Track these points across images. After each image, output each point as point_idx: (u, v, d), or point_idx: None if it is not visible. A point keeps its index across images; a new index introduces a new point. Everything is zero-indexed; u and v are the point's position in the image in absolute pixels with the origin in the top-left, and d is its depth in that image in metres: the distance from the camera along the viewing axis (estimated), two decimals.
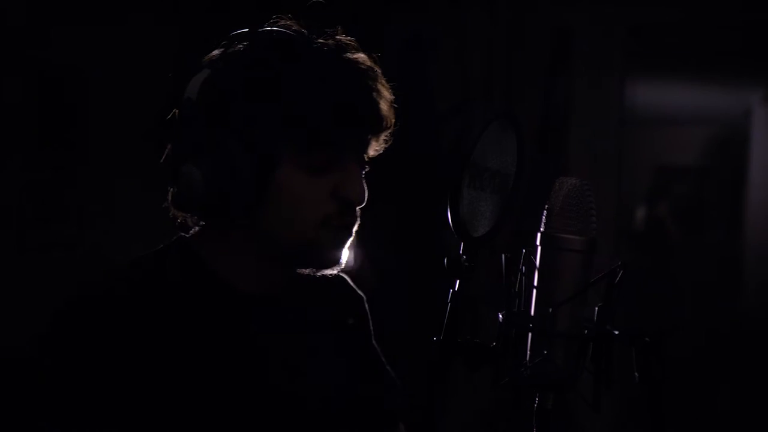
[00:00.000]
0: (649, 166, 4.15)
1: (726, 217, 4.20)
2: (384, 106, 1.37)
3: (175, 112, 1.40)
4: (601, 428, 3.32)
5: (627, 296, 1.27)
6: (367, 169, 1.42)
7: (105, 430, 1.26)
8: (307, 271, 1.41)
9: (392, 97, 1.39)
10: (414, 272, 3.15)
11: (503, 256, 1.24)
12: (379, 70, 1.38)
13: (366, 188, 1.39)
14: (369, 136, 1.38)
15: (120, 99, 3.49)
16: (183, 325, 1.34)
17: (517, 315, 1.24)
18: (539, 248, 1.24)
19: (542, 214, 1.25)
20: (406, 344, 3.39)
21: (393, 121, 1.39)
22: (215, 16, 3.52)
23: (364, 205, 1.39)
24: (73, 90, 3.39)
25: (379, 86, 1.37)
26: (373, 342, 1.64)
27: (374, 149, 1.41)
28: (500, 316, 1.25)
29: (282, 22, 1.40)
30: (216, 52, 1.40)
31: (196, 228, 1.43)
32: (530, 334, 1.24)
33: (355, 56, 1.37)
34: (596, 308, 1.23)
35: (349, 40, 1.39)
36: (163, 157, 1.42)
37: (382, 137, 1.40)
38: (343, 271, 1.48)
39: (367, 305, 1.63)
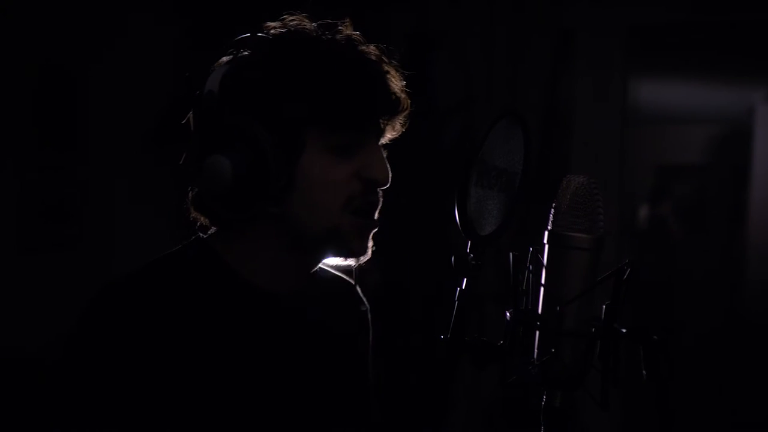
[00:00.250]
0: (652, 165, 4.14)
1: (729, 215, 4.19)
2: (399, 90, 1.40)
3: (193, 109, 1.41)
4: (605, 426, 3.32)
5: (633, 294, 1.27)
6: (385, 153, 1.44)
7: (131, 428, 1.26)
8: (332, 261, 1.44)
9: (404, 82, 1.42)
10: (418, 267, 3.15)
11: (511, 254, 1.24)
12: (388, 59, 1.42)
13: (389, 169, 1.41)
14: (388, 118, 1.41)
15: (120, 99, 3.49)
16: (207, 324, 1.34)
17: (524, 313, 1.24)
18: (546, 246, 1.25)
19: (549, 212, 1.25)
20: (411, 341, 3.41)
21: (408, 103, 1.42)
22: (215, 16, 3.52)
23: (387, 185, 1.41)
24: (74, 90, 3.39)
25: (393, 71, 1.41)
26: (370, 357, 1.64)
27: (392, 132, 1.44)
28: (507, 314, 1.25)
29: (294, 20, 1.42)
30: (225, 56, 1.42)
31: (213, 229, 1.44)
32: (537, 332, 1.24)
33: (365, 47, 1.41)
34: (603, 306, 1.23)
35: (357, 34, 1.41)
36: (184, 157, 1.42)
37: (399, 120, 1.43)
38: (351, 274, 1.51)
39: (370, 316, 1.63)
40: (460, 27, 3.36)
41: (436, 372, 3.29)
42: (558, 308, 1.21)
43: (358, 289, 1.61)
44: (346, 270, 1.54)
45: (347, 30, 1.41)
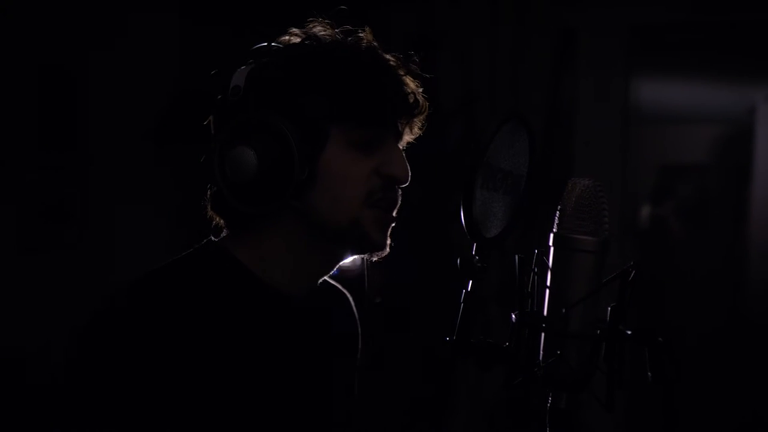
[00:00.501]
0: (654, 165, 4.15)
1: (731, 214, 4.20)
2: (417, 92, 1.44)
3: (215, 107, 1.43)
4: (607, 426, 3.33)
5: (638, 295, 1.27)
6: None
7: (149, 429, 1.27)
8: (352, 256, 1.45)
9: (422, 87, 1.45)
10: (420, 268, 3.15)
11: (517, 256, 1.24)
12: (407, 63, 1.45)
13: (409, 167, 1.43)
14: (406, 119, 1.44)
15: (120, 99, 3.50)
16: (226, 326, 1.35)
17: (530, 315, 1.24)
18: (552, 249, 1.25)
19: (555, 215, 1.25)
20: (412, 341, 3.41)
21: (426, 106, 1.45)
22: (216, 17, 3.53)
23: (407, 183, 1.43)
24: (74, 90, 3.39)
25: (411, 74, 1.44)
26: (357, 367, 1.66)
27: (410, 135, 1.47)
28: (513, 316, 1.25)
29: (317, 25, 1.45)
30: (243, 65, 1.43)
31: (226, 231, 1.45)
32: (543, 334, 1.24)
33: (385, 52, 1.44)
34: (609, 308, 1.23)
35: (377, 42, 1.45)
36: (204, 155, 1.43)
37: (418, 122, 1.46)
38: (346, 284, 1.52)
39: (360, 329, 1.65)
40: (462, 27, 3.36)
41: (438, 373, 3.29)
42: (563, 310, 1.21)
43: (351, 300, 1.63)
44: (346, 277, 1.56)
45: (368, 36, 1.44)
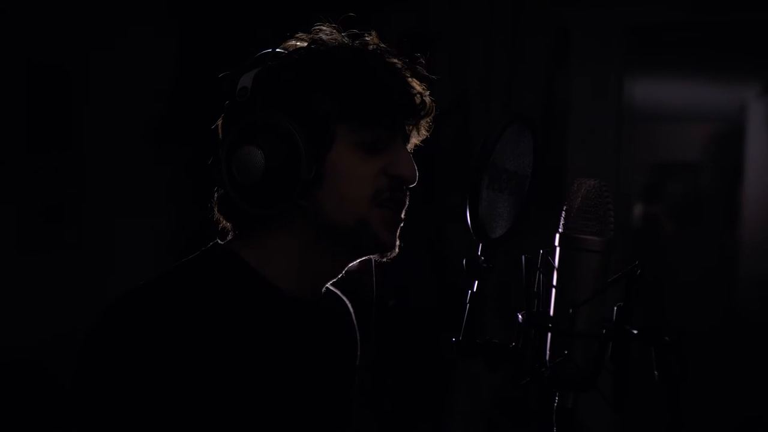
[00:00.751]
0: (646, 163, 4.16)
1: (722, 212, 4.21)
2: (423, 93, 1.44)
3: (224, 110, 1.44)
4: (602, 426, 3.34)
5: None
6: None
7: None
8: (360, 257, 1.45)
9: (428, 90, 1.46)
10: (416, 266, 3.16)
11: (523, 257, 1.25)
12: (413, 65, 1.46)
13: (416, 168, 1.43)
14: (412, 120, 1.44)
15: (116, 99, 3.49)
16: (233, 329, 1.35)
17: (537, 315, 1.24)
18: (557, 249, 1.25)
19: (560, 215, 1.26)
20: (411, 341, 3.41)
21: (433, 107, 1.46)
22: (212, 18, 3.52)
23: (414, 184, 1.43)
24: (70, 90, 3.39)
25: (418, 76, 1.45)
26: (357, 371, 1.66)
27: (417, 137, 1.47)
28: (519, 316, 1.26)
29: (324, 29, 1.46)
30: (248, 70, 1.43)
31: (232, 234, 1.45)
32: (549, 334, 1.25)
33: (392, 56, 1.44)
34: (615, 308, 1.24)
35: (384, 45, 1.45)
36: (211, 157, 1.44)
37: (425, 123, 1.46)
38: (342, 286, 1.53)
39: (359, 335, 1.65)
40: (458, 26, 3.37)
41: (436, 373, 3.30)
42: (571, 310, 1.22)
43: (350, 306, 1.63)
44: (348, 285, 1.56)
45: (374, 39, 1.45)
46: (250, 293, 1.39)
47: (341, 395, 1.53)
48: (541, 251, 1.27)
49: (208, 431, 1.30)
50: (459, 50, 3.39)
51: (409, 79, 1.44)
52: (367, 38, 1.45)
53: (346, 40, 1.44)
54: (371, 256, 1.46)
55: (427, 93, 1.46)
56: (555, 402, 1.26)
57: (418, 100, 1.43)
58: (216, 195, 1.45)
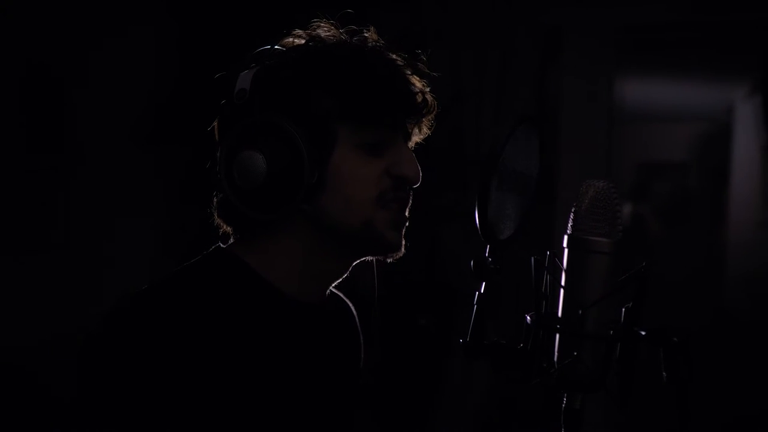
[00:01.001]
0: (634, 163, 4.18)
1: (709, 212, 4.24)
2: (424, 91, 1.42)
3: (220, 113, 1.41)
4: (596, 425, 3.35)
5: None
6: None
7: None
8: (367, 258, 1.44)
9: (428, 86, 1.44)
10: (408, 267, 3.16)
11: (533, 258, 1.25)
12: (413, 62, 1.44)
13: (419, 167, 1.41)
14: (414, 118, 1.42)
15: (108, 101, 3.48)
16: (237, 333, 1.33)
17: (546, 317, 1.25)
18: (566, 250, 1.26)
19: (569, 217, 1.26)
20: (404, 338, 3.41)
21: (435, 105, 1.44)
22: (205, 20, 3.51)
23: (418, 184, 1.41)
24: (61, 92, 3.37)
25: (418, 73, 1.43)
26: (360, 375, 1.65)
27: (419, 135, 1.45)
28: (528, 317, 1.26)
29: (321, 26, 1.44)
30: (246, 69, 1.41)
31: (234, 237, 1.43)
32: (558, 336, 1.25)
33: (390, 51, 1.42)
34: (623, 309, 1.24)
35: (382, 40, 1.43)
36: (209, 161, 1.42)
37: (427, 121, 1.44)
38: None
39: (362, 338, 1.64)
40: (451, 26, 3.37)
41: (424, 372, 3.30)
42: (580, 312, 1.22)
43: (354, 310, 1.62)
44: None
45: (372, 36, 1.43)
46: (254, 297, 1.38)
47: (344, 398, 1.53)
48: (548, 252, 1.27)
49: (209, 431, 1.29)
50: (451, 50, 3.39)
51: (410, 77, 1.42)
52: (365, 34, 1.43)
53: (344, 36, 1.42)
54: (377, 257, 1.45)
55: (428, 90, 1.44)
56: (563, 402, 1.27)
57: (419, 98, 1.41)
58: (215, 200, 1.42)
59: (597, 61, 3.47)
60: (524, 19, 3.38)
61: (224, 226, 1.43)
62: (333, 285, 1.48)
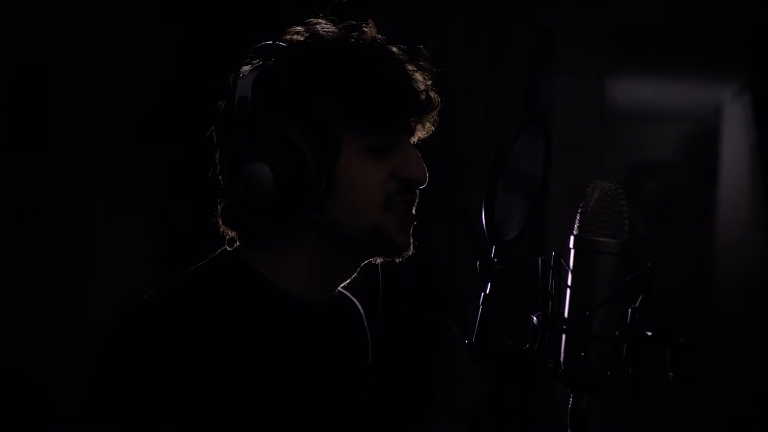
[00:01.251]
0: (623, 163, 4.18)
1: (697, 212, 4.24)
2: (428, 88, 1.41)
3: (220, 119, 1.40)
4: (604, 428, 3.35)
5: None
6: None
7: None
8: (376, 260, 1.43)
9: (431, 81, 1.42)
10: (400, 267, 3.16)
11: (540, 259, 1.25)
12: (414, 58, 1.42)
13: (425, 167, 1.40)
14: (418, 117, 1.41)
15: (98, 100, 3.47)
16: (246, 336, 1.33)
17: (553, 317, 1.25)
18: (572, 251, 1.26)
19: (575, 217, 1.27)
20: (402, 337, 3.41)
21: (438, 101, 1.43)
22: (197, 20, 3.50)
23: (425, 184, 1.40)
24: (48, 91, 3.36)
25: (420, 70, 1.41)
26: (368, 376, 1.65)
27: (422, 131, 1.44)
28: (534, 318, 1.26)
29: (319, 23, 1.42)
30: (245, 65, 1.40)
31: (240, 241, 1.42)
32: (564, 336, 1.25)
33: (391, 48, 1.40)
34: (629, 310, 1.24)
35: (381, 36, 1.41)
36: (213, 169, 1.41)
37: (431, 117, 1.43)
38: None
39: (370, 338, 1.64)
40: (442, 27, 3.37)
41: (419, 374, 3.30)
42: (587, 312, 1.22)
43: (361, 310, 1.62)
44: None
45: (371, 31, 1.41)
46: (261, 300, 1.38)
47: (354, 398, 1.52)
48: (553, 253, 1.27)
49: None
50: (442, 50, 3.39)
51: (414, 74, 1.40)
52: (365, 29, 1.41)
53: (343, 33, 1.40)
54: (387, 259, 1.44)
55: (430, 83, 1.42)
56: (569, 403, 1.27)
57: (423, 96, 1.40)
58: (219, 207, 1.41)
59: (588, 61, 3.48)
60: (516, 19, 3.38)
61: (229, 232, 1.42)
62: (341, 286, 1.48)
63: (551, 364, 1.26)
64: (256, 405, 1.32)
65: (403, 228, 1.41)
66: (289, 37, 1.41)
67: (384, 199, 1.37)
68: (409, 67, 1.40)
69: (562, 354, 1.25)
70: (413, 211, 1.42)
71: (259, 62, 1.39)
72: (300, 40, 1.40)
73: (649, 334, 1.23)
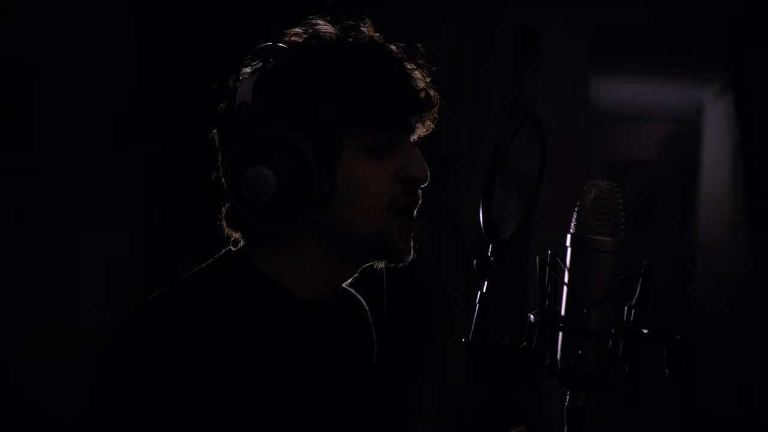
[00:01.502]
0: (604, 163, 4.20)
1: (678, 211, 4.26)
2: (427, 86, 1.41)
3: (221, 123, 1.40)
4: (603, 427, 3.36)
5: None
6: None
7: None
8: (377, 266, 1.43)
9: (430, 78, 1.42)
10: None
11: (537, 258, 1.25)
12: (413, 57, 1.42)
13: (427, 167, 1.40)
14: (418, 115, 1.41)
15: (82, 100, 3.45)
16: (252, 335, 1.34)
17: (551, 315, 1.25)
18: (569, 249, 1.26)
19: (572, 216, 1.27)
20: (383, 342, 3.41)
21: (438, 99, 1.43)
22: (175, 18, 3.49)
23: (427, 183, 1.40)
24: (30, 90, 3.34)
25: (419, 68, 1.41)
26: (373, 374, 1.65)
27: (422, 130, 1.44)
28: (531, 316, 1.27)
29: (316, 23, 1.41)
30: (245, 66, 1.40)
31: (243, 242, 1.43)
32: (561, 334, 1.26)
33: (389, 47, 1.40)
34: (626, 307, 1.25)
35: (379, 35, 1.42)
36: (216, 172, 1.41)
37: (431, 115, 1.43)
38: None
39: (375, 336, 1.64)
40: (425, 27, 3.37)
41: (405, 374, 3.31)
42: (585, 310, 1.23)
43: (367, 307, 1.62)
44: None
45: (369, 31, 1.41)
46: (267, 300, 1.38)
47: (358, 396, 1.52)
48: (549, 252, 1.28)
49: None
50: (426, 50, 3.39)
51: (413, 72, 1.40)
52: (362, 28, 1.41)
53: (341, 33, 1.40)
54: (386, 263, 1.44)
55: (429, 80, 1.42)
56: (566, 400, 1.27)
57: (423, 94, 1.40)
58: (223, 209, 1.42)
59: (571, 61, 3.49)
60: (500, 19, 3.39)
61: (234, 235, 1.43)
62: (344, 284, 1.48)
63: (548, 362, 1.27)
64: (263, 403, 1.32)
65: (407, 235, 1.41)
66: (288, 38, 1.42)
67: (387, 202, 1.37)
68: (408, 66, 1.40)
69: (559, 352, 1.26)
70: (415, 213, 1.42)
71: (258, 64, 1.38)
72: (299, 42, 1.40)
73: (646, 331, 1.23)
